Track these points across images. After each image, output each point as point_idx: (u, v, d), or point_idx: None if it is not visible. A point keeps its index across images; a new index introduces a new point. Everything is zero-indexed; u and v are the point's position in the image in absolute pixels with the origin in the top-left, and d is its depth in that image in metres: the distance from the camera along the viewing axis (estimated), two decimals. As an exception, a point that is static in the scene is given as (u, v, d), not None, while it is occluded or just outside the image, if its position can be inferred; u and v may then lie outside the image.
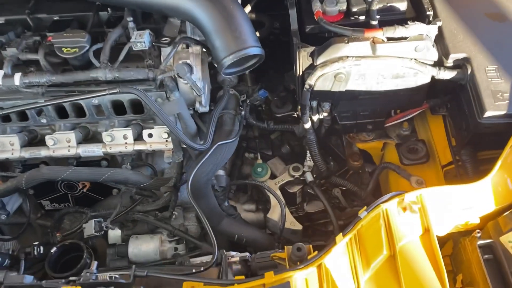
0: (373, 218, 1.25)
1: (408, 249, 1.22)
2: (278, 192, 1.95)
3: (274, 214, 1.91)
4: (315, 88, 1.69)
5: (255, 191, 2.08)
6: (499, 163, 1.40)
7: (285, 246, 1.37)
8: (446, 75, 1.64)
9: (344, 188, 1.99)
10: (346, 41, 1.59)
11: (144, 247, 1.83)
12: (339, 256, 1.19)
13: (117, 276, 1.25)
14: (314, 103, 1.80)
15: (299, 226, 1.91)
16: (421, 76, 1.67)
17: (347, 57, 1.60)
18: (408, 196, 1.29)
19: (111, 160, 1.90)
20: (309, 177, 1.98)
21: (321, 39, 1.70)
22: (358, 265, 1.18)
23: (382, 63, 1.61)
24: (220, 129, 1.76)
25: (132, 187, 1.84)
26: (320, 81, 1.67)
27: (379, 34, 1.58)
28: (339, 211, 2.01)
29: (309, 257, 1.20)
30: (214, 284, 1.19)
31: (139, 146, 1.77)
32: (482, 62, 1.59)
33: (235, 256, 1.51)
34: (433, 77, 1.67)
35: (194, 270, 1.35)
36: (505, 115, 1.49)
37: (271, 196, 1.93)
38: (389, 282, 1.17)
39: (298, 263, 1.25)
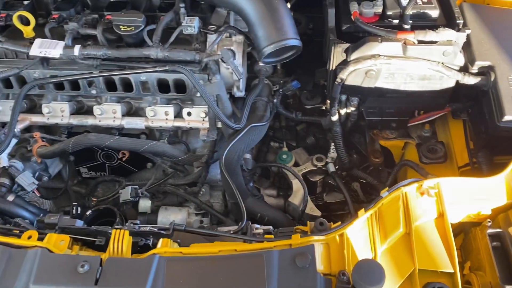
0: (393, 198, 1.37)
1: (423, 229, 1.34)
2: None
3: (296, 198, 2.03)
4: (346, 83, 1.81)
5: (278, 178, 2.19)
6: (514, 162, 1.50)
7: (308, 222, 1.48)
8: (470, 80, 1.75)
9: (363, 181, 2.09)
10: (380, 41, 1.71)
11: (172, 217, 1.95)
12: (359, 228, 1.31)
13: (156, 230, 1.37)
14: (343, 97, 1.92)
15: (318, 213, 2.01)
16: (446, 80, 1.78)
17: (379, 55, 1.72)
18: (426, 182, 1.40)
19: (150, 134, 2.05)
20: (331, 167, 2.09)
21: (356, 38, 1.82)
22: (376, 238, 1.30)
23: (411, 64, 1.73)
24: (253, 113, 1.90)
25: (167, 160, 1.98)
26: (352, 76, 1.79)
27: (411, 36, 1.70)
28: (357, 204, 2.11)
29: (332, 226, 1.32)
30: (246, 241, 1.31)
31: (178, 123, 1.91)
32: (505, 71, 1.70)
33: (259, 228, 1.64)
34: (457, 82, 1.78)
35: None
36: (522, 121, 1.60)
37: (294, 182, 2.04)
38: (404, 255, 1.29)
39: (321, 235, 1.37)
